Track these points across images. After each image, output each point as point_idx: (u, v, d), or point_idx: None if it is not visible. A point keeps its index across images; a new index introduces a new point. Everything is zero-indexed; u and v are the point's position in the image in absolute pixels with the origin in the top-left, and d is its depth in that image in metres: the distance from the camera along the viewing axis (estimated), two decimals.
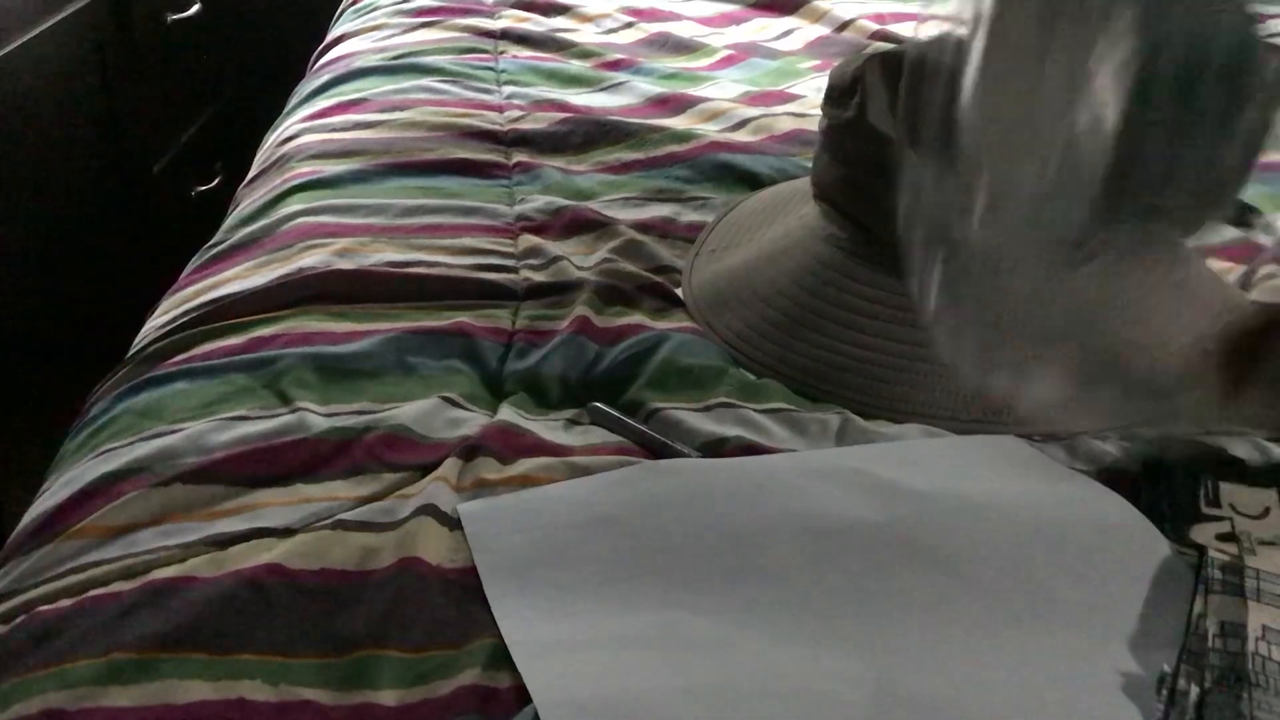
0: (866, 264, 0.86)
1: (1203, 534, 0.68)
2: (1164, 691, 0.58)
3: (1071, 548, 0.67)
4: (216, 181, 1.93)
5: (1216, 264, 0.93)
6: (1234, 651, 0.60)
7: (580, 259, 0.97)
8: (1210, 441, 0.75)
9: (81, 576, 0.66)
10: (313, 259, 0.95)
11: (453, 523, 0.69)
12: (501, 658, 0.60)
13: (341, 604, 0.63)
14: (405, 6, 1.54)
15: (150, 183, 1.79)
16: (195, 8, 1.87)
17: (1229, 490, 0.71)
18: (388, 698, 0.59)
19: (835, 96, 0.91)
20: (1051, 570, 0.66)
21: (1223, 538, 0.68)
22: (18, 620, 0.64)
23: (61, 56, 1.52)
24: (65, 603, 0.64)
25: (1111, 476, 0.73)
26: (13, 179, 1.41)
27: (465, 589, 0.65)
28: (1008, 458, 0.74)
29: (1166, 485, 0.71)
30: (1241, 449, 0.75)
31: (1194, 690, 0.58)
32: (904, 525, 0.68)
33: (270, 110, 1.38)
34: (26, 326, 1.44)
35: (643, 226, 1.02)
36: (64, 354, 1.48)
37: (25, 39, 1.42)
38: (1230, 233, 0.98)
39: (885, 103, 0.87)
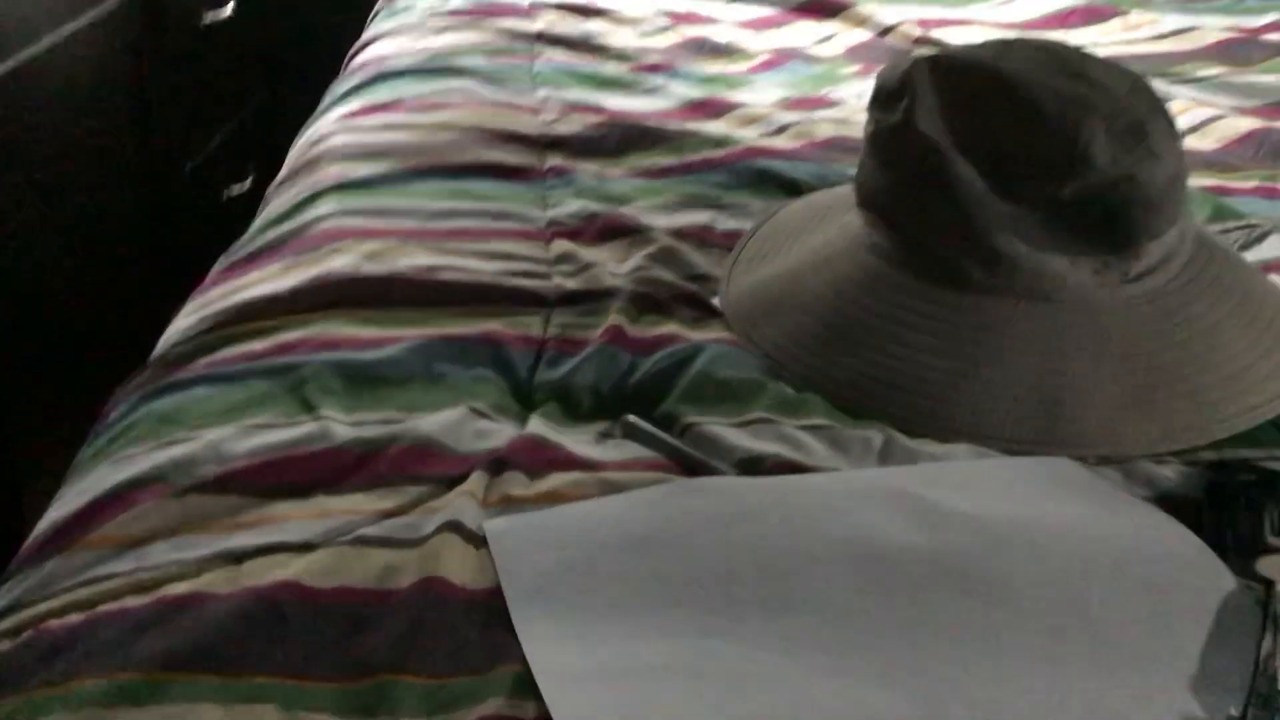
0: (912, 275, 0.83)
1: (1270, 566, 0.65)
2: None
3: (1130, 579, 0.64)
4: (249, 183, 1.92)
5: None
6: None
7: (614, 266, 0.94)
8: (1277, 467, 0.71)
9: (92, 590, 0.63)
10: (341, 262, 0.93)
11: (478, 540, 0.66)
12: (527, 686, 0.57)
13: (360, 625, 0.61)
14: (441, 8, 1.51)
15: (181, 184, 1.78)
16: (229, 8, 1.86)
17: None
18: None
19: (882, 100, 0.87)
20: (1109, 603, 0.62)
21: None
22: (24, 635, 0.61)
23: (94, 57, 1.51)
24: (74, 618, 0.62)
25: (1171, 503, 0.70)
26: (43, 179, 1.39)
27: (490, 611, 0.62)
28: (1062, 481, 0.71)
29: (1230, 514, 0.68)
30: None
31: None
32: (952, 552, 0.65)
33: (304, 112, 1.36)
34: (54, 328, 1.43)
35: (679, 233, 0.99)
36: (92, 357, 1.46)
37: (58, 38, 1.41)
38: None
39: (934, 107, 0.84)
